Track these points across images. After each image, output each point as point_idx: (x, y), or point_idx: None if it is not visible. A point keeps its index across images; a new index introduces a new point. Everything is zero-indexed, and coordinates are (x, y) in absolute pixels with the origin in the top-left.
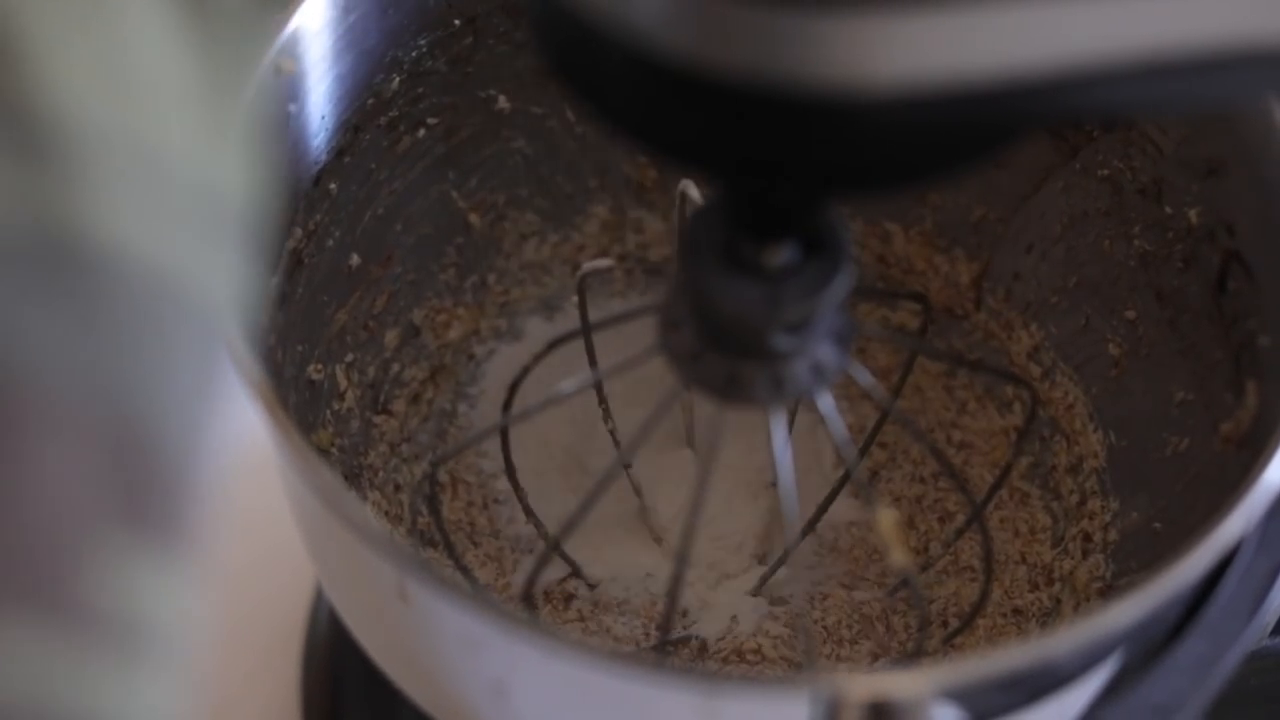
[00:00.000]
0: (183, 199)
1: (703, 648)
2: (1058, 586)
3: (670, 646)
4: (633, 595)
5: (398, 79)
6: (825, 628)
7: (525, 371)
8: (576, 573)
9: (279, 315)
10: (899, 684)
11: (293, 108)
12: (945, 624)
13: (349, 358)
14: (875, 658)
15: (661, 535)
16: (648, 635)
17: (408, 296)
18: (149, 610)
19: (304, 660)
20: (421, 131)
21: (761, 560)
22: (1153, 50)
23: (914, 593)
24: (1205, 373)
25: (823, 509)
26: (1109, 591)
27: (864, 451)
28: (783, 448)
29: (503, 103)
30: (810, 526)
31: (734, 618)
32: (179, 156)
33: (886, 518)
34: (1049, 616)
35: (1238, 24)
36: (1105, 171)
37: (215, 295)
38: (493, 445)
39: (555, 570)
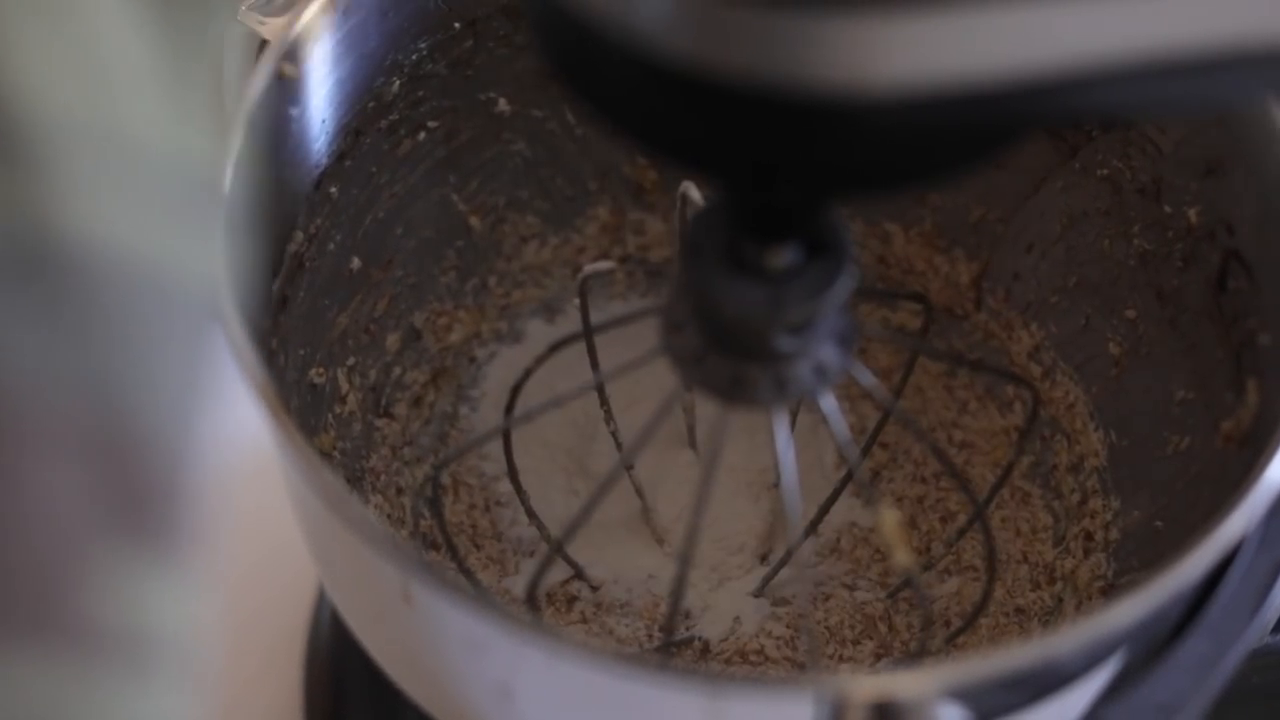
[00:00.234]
0: (158, 185)
1: (705, 649)
2: (1059, 585)
3: (673, 648)
4: (635, 597)
5: (398, 82)
6: (828, 628)
7: (528, 374)
8: (579, 575)
9: (280, 319)
10: (903, 684)
11: (294, 112)
12: (947, 623)
13: (350, 361)
14: (878, 658)
15: (663, 537)
16: (650, 637)
17: (409, 299)
18: (154, 620)
19: (306, 663)
20: (422, 135)
21: (763, 561)
22: (1153, 51)
23: (918, 592)
24: (1206, 371)
25: (825, 509)
26: (1111, 590)
27: (866, 452)
28: (786, 448)
29: (503, 105)
30: (812, 527)
31: (736, 619)
32: (150, 143)
33: (889, 518)
34: (1051, 615)
35: (1237, 25)
36: (1104, 171)
37: (200, 279)
38: (494, 448)
39: (558, 572)
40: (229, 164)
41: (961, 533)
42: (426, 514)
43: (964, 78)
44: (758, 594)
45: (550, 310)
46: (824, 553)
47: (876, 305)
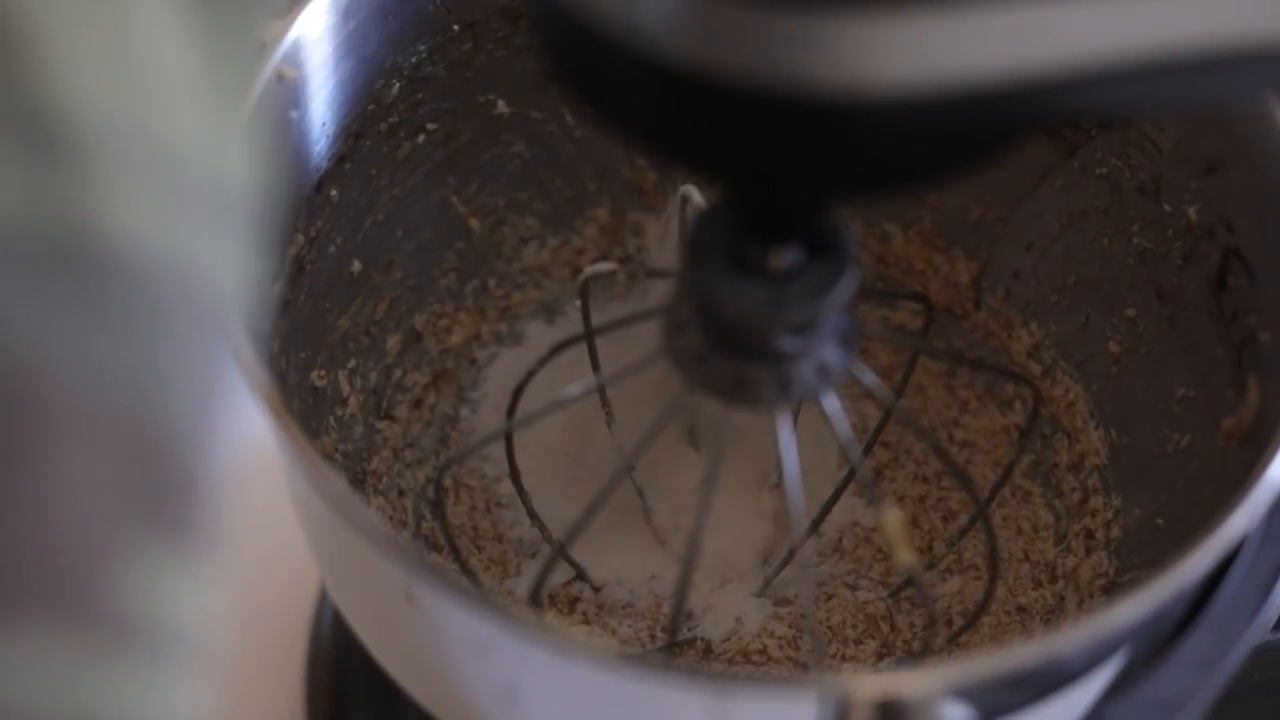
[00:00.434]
0: (191, 191)
1: (708, 649)
2: (1061, 584)
3: (676, 648)
4: (637, 598)
5: (398, 85)
6: (830, 627)
7: (530, 376)
8: (581, 576)
9: (282, 322)
10: (908, 683)
11: (294, 114)
12: (950, 622)
13: (351, 363)
14: (880, 657)
15: (665, 537)
16: (653, 637)
17: (409, 302)
18: (169, 611)
19: (308, 664)
20: (421, 137)
21: (765, 561)
22: (1153, 50)
23: (921, 592)
24: (1206, 369)
25: (826, 509)
26: (1112, 588)
27: (867, 451)
28: (789, 449)
29: (502, 107)
30: (814, 527)
31: (738, 619)
32: (187, 149)
33: (892, 517)
34: (1053, 614)
35: (1236, 23)
36: (1104, 170)
37: (223, 287)
38: (495, 449)
39: (560, 574)
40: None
41: (963, 532)
42: (428, 516)
43: (966, 78)
44: (760, 594)
45: (550, 312)
46: (826, 552)
47: (876, 305)
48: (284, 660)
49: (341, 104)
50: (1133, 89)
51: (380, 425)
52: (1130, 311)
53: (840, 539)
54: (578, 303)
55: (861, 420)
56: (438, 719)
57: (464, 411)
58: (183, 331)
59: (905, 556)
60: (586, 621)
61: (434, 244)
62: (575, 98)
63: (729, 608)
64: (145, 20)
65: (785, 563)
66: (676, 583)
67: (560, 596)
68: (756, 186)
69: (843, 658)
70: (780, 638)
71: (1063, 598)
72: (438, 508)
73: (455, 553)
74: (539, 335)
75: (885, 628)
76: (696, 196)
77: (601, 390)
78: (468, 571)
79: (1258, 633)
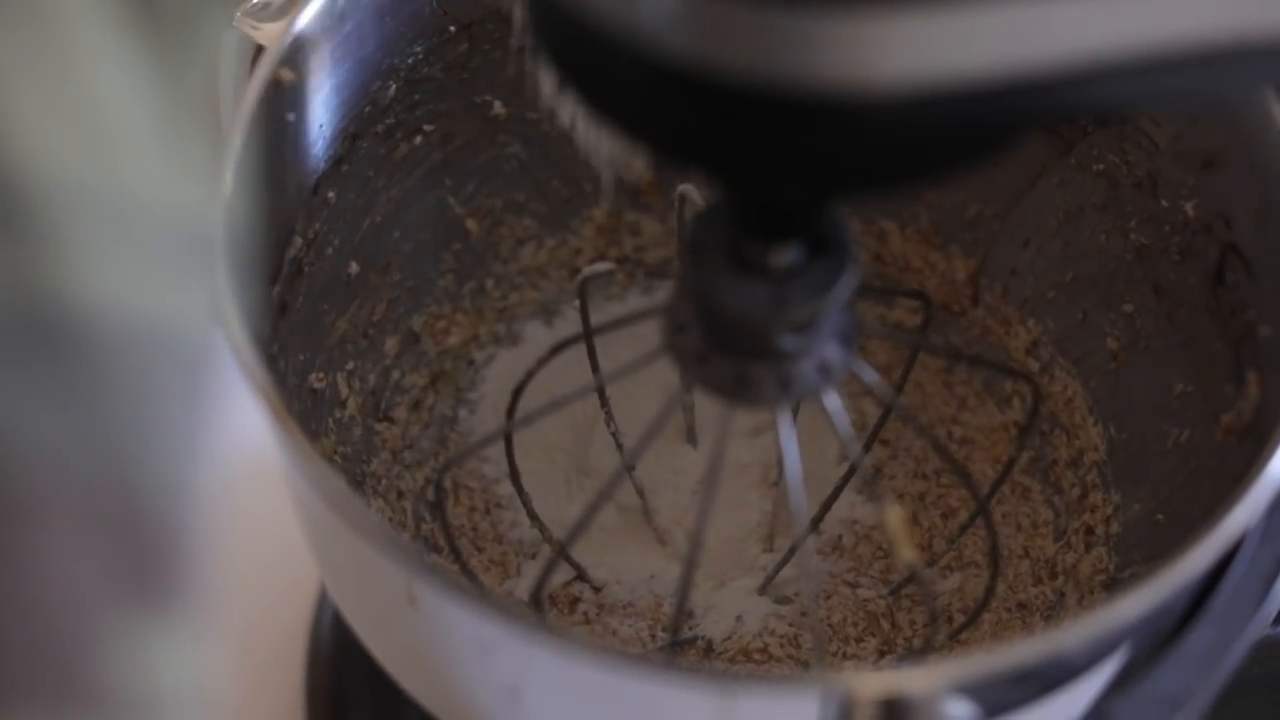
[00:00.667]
0: (157, 240)
1: (709, 648)
2: (1061, 580)
3: (677, 647)
4: (637, 597)
5: (394, 86)
6: (831, 625)
7: (529, 376)
8: (581, 576)
9: (280, 324)
10: (912, 680)
11: (291, 117)
12: (950, 619)
13: (350, 366)
14: (881, 654)
15: (665, 538)
16: (654, 637)
17: (407, 303)
18: (163, 677)
19: (308, 667)
20: (418, 138)
21: (765, 559)
22: (1152, 46)
23: (923, 589)
24: (1205, 365)
25: (826, 506)
26: (1112, 585)
27: (867, 448)
28: (790, 447)
29: (498, 108)
30: (814, 525)
31: (739, 618)
32: (149, 199)
33: (894, 514)
34: (1053, 610)
35: (1236, 18)
36: (1100, 166)
37: (197, 327)
38: (494, 450)
39: (560, 574)
40: (230, 172)
41: (964, 528)
42: (428, 517)
43: (965, 75)
44: (760, 592)
45: (548, 312)
46: (826, 550)
47: (874, 303)
48: (284, 663)
49: (338, 106)
50: (1130, 85)
51: (379, 427)
52: (1128, 307)
53: (840, 537)
54: (576, 303)
55: (860, 418)
56: None
57: (462, 412)
58: (158, 387)
59: (906, 554)
60: (587, 621)
61: (431, 245)
62: (575, 99)
63: (729, 607)
64: (103, 79)
65: (786, 561)
66: (678, 582)
67: (561, 597)
68: (756, 185)
69: (843, 656)
70: (781, 636)
71: (1063, 594)
72: (438, 509)
73: (455, 554)
74: (537, 336)
75: (886, 625)
76: (695, 195)
77: (601, 390)
78: (468, 573)
79: (1259, 628)
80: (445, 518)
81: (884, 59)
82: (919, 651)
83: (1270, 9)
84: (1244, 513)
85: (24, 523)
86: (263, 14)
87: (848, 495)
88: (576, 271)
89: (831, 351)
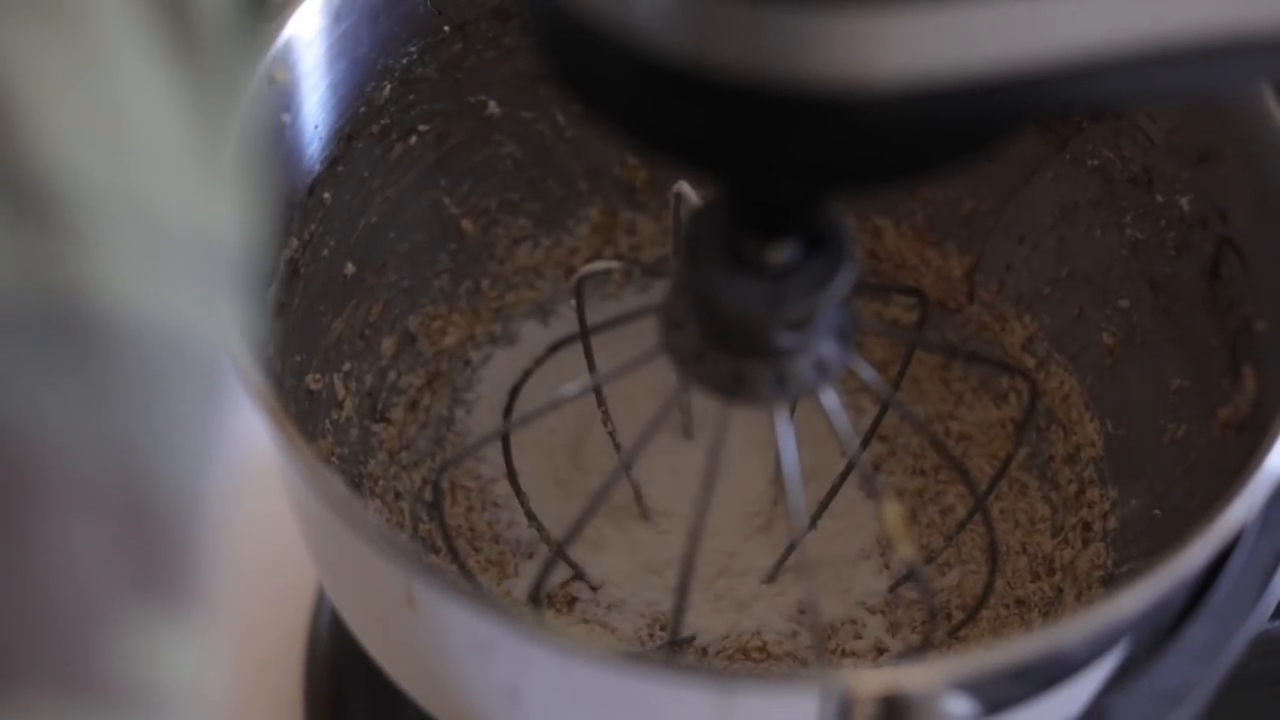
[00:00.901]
0: (179, 249)
1: (706, 647)
2: (1059, 576)
3: (675, 646)
4: (635, 596)
5: (389, 86)
6: (829, 623)
7: (526, 375)
8: (579, 575)
9: (277, 326)
10: (911, 677)
11: (286, 118)
12: (949, 616)
13: (346, 367)
14: (880, 652)
15: (663, 535)
16: (652, 635)
17: (403, 304)
18: (168, 673)
19: (307, 668)
20: (413, 139)
21: (764, 557)
22: (1147, 41)
23: (922, 586)
24: (1201, 359)
25: (824, 504)
26: (1110, 580)
27: (865, 445)
28: (787, 444)
29: (493, 108)
30: (812, 522)
31: (737, 616)
32: (174, 208)
33: (892, 511)
34: (1051, 606)
35: (1229, 13)
36: (1095, 162)
37: (214, 341)
38: (491, 450)
39: (558, 573)
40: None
41: (961, 525)
42: (425, 518)
43: (961, 71)
44: (759, 589)
45: (544, 312)
46: (825, 547)
47: (869, 299)
48: (282, 664)
49: (333, 106)
50: (1125, 80)
51: (376, 428)
52: (1124, 303)
53: (839, 533)
54: (572, 302)
55: (858, 415)
56: None
57: (459, 413)
58: (174, 392)
59: (905, 550)
60: (585, 621)
61: (427, 246)
62: (569, 97)
63: (728, 604)
64: (133, 88)
65: (784, 558)
66: (677, 579)
67: (558, 596)
68: (752, 183)
69: (843, 653)
70: (779, 633)
71: (1061, 590)
72: (435, 509)
73: (453, 554)
74: (533, 336)
75: (885, 622)
76: (690, 194)
77: (598, 389)
78: (466, 573)
79: (1258, 622)
80: (443, 518)
81: (879, 56)
82: (918, 649)
83: (1264, 3)
84: (1242, 507)
85: (37, 509)
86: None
87: (846, 492)
88: (572, 271)
89: (828, 349)
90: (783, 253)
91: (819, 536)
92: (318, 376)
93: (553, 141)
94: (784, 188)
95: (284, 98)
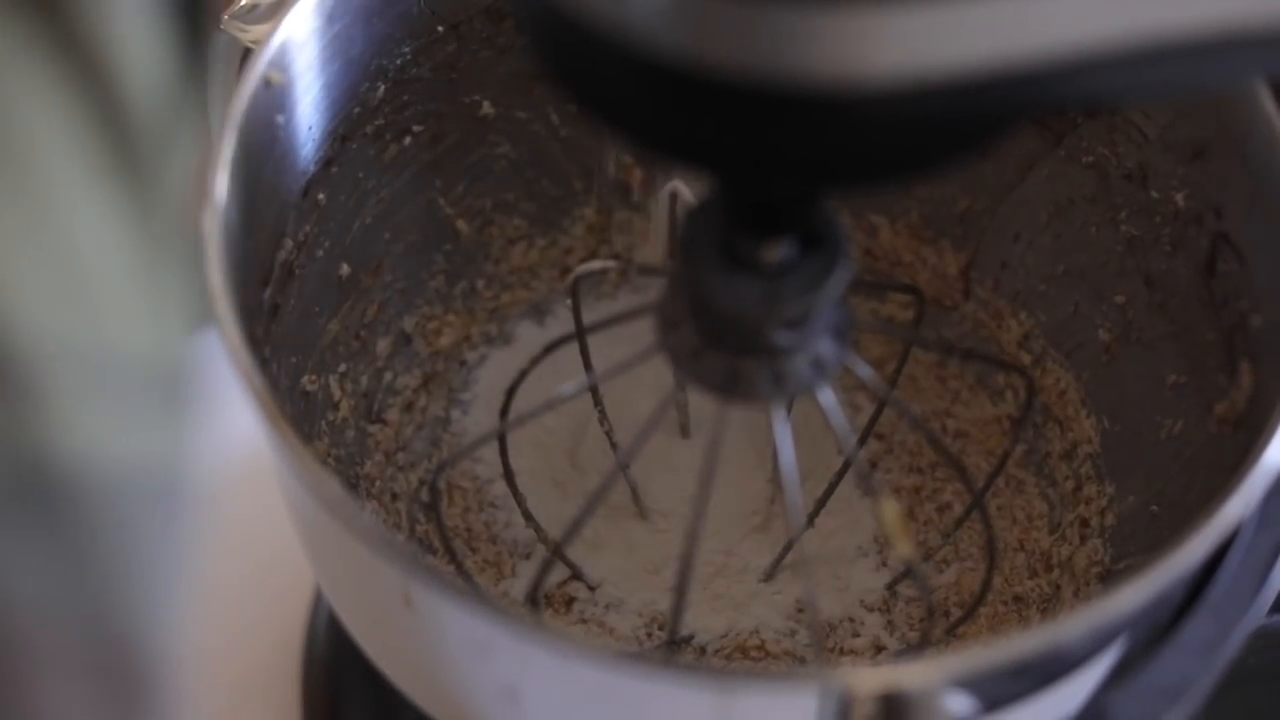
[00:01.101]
0: (138, 387)
1: (705, 646)
2: (1057, 573)
3: (674, 646)
4: (633, 595)
5: (383, 87)
6: (828, 621)
7: (522, 376)
8: (577, 575)
9: (272, 327)
10: (910, 675)
11: (280, 119)
12: (947, 614)
13: (342, 368)
14: (878, 650)
15: (660, 534)
16: (650, 635)
17: (398, 305)
18: None
19: (304, 670)
20: (407, 139)
21: (761, 555)
22: (1141, 38)
23: (920, 583)
24: (1197, 355)
25: (822, 502)
26: (1108, 576)
27: (862, 443)
28: (784, 442)
29: (487, 108)
30: (810, 520)
31: (736, 615)
32: (129, 346)
33: (890, 509)
34: (1049, 603)
35: (1223, 8)
36: (1090, 158)
37: (178, 465)
38: (488, 451)
39: (555, 573)
40: (221, 175)
41: (960, 521)
42: (422, 519)
43: (956, 68)
44: (756, 588)
45: (539, 312)
46: (822, 545)
47: (865, 297)
48: (280, 666)
49: (328, 107)
50: (1120, 77)
51: (372, 429)
52: (1120, 299)
53: (836, 531)
54: (568, 302)
55: (854, 413)
56: None
57: (455, 413)
58: (142, 531)
59: (903, 548)
60: (583, 621)
61: (422, 246)
62: (565, 96)
63: (726, 603)
64: (83, 232)
65: (782, 556)
66: (675, 579)
67: (556, 596)
68: (748, 181)
69: (841, 651)
70: (778, 632)
71: (1059, 587)
72: (432, 510)
73: (451, 555)
74: (529, 336)
75: (883, 620)
76: (685, 192)
77: (594, 389)
78: (463, 573)
79: (1256, 617)
80: (440, 519)
81: (874, 53)
82: (916, 646)
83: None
84: (1239, 502)
85: (27, 674)
86: (250, 16)
87: (843, 490)
88: (568, 271)
89: (825, 347)
90: (778, 251)
91: (817, 535)
92: (313, 378)
93: (547, 141)
94: (779, 186)
95: (278, 99)
